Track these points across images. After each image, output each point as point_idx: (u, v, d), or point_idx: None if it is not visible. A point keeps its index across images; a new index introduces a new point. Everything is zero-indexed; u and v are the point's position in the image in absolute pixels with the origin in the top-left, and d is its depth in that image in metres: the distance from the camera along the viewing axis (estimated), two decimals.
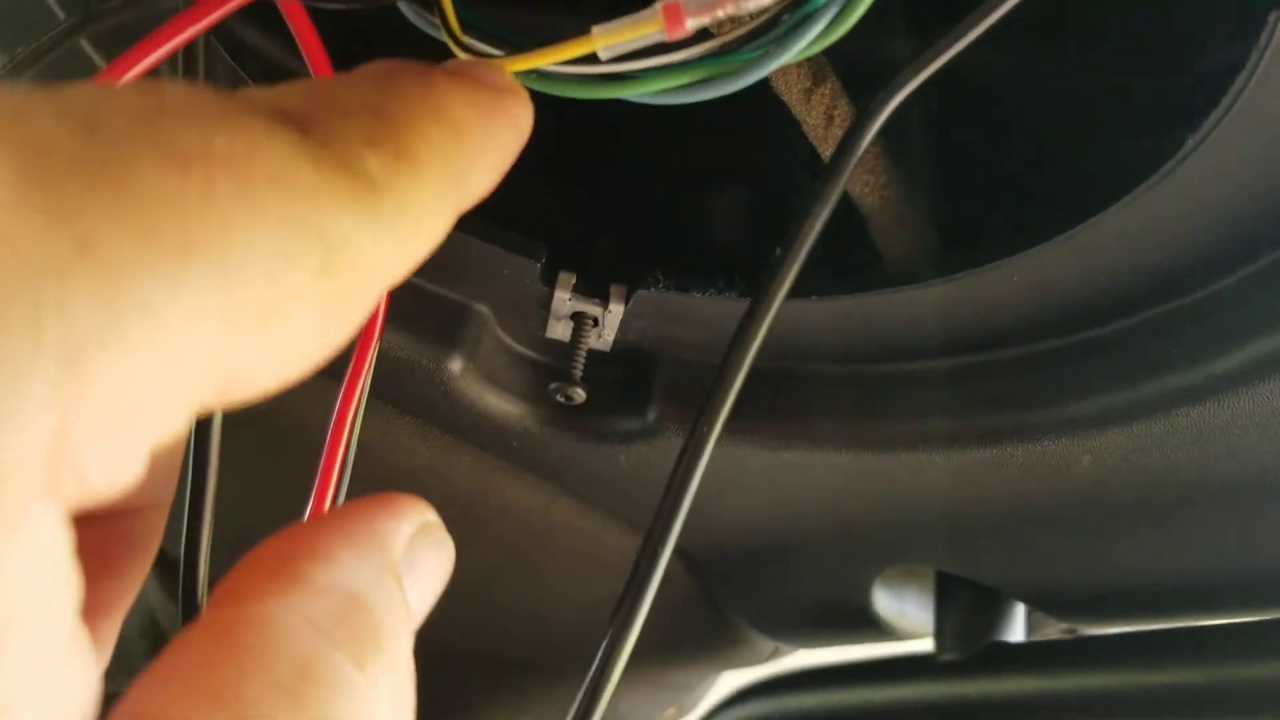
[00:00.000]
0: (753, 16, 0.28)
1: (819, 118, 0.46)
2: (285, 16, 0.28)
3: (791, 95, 0.44)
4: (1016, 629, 0.59)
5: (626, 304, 0.50)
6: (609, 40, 0.26)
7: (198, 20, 0.25)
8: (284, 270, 0.17)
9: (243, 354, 0.17)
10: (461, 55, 0.27)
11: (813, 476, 0.52)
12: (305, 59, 0.28)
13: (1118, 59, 0.46)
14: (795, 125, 0.46)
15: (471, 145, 0.22)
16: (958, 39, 0.35)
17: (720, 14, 0.26)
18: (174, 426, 0.17)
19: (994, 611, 0.58)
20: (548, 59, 0.26)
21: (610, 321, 0.51)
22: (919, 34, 0.41)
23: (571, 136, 0.54)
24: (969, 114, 0.44)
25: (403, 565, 0.22)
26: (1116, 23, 0.45)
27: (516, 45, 0.27)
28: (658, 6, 0.25)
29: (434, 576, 0.23)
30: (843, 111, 0.46)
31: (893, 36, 0.45)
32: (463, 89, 0.23)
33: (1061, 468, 0.45)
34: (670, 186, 0.57)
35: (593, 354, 0.53)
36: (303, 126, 0.19)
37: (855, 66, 0.43)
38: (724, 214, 0.58)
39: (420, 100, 0.21)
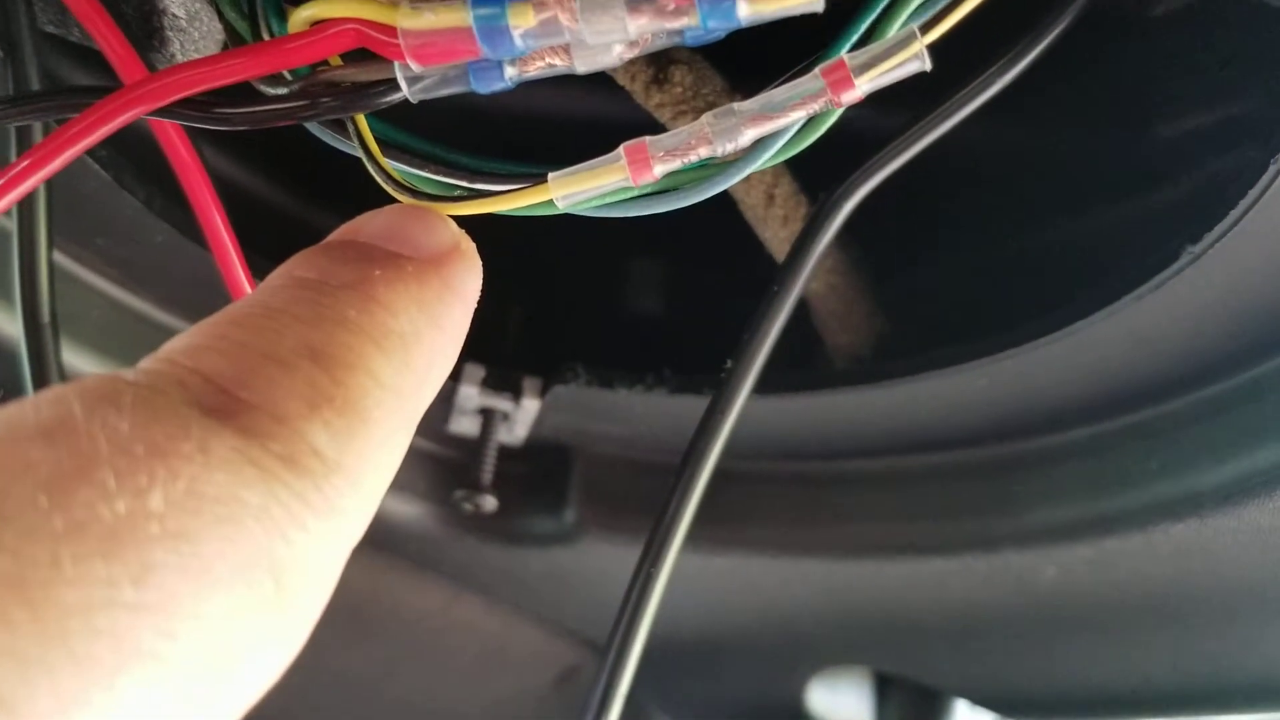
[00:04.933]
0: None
1: (758, 197, 0.41)
2: (159, 140, 0.22)
3: None
4: None
5: (542, 398, 0.44)
6: (566, 189, 0.21)
7: (49, 160, 0.20)
8: (235, 628, 0.15)
9: None
10: (388, 188, 0.22)
11: (746, 581, 0.47)
12: (186, 194, 0.22)
13: (1073, 125, 0.43)
14: (726, 201, 0.42)
15: (423, 359, 0.19)
16: (937, 124, 0.31)
17: (693, 158, 0.21)
18: None
19: (936, 711, 0.55)
20: (499, 207, 0.21)
21: (523, 417, 0.45)
22: (880, 105, 0.36)
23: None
24: (927, 192, 0.40)
25: None
26: (1069, 87, 0.42)
27: (445, 161, 0.22)
28: (620, 151, 0.21)
29: None
30: (785, 189, 0.42)
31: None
32: (406, 288, 0.19)
33: (1025, 578, 0.42)
34: (583, 254, 0.52)
35: (501, 448, 0.47)
36: (237, 410, 0.16)
37: None
38: (641, 287, 0.53)
39: (360, 326, 0.18)
